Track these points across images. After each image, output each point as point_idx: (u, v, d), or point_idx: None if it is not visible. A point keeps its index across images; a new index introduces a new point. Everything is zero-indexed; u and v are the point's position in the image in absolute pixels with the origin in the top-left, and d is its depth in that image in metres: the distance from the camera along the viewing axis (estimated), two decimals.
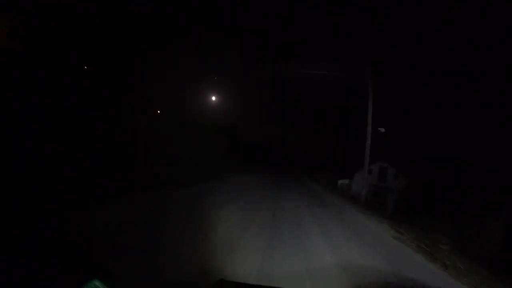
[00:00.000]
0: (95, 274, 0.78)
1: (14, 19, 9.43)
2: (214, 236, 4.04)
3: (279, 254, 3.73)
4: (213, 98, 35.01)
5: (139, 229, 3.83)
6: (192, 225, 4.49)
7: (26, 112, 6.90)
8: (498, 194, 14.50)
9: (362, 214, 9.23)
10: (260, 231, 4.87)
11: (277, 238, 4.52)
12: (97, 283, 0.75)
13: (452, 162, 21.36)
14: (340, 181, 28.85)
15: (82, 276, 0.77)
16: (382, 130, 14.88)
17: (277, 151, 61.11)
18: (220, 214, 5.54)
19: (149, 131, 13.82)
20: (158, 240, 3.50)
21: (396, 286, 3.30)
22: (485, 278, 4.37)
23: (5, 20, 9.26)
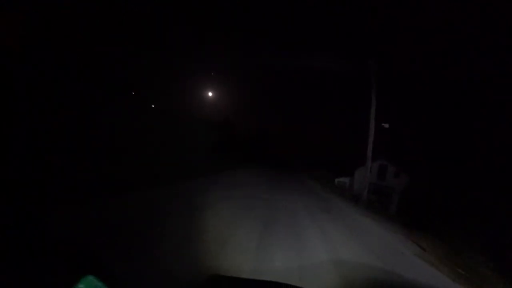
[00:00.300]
0: (90, 271, 0.75)
1: (13, 18, 9.07)
2: (206, 235, 4.02)
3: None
4: (210, 94, 34.24)
5: (126, 230, 3.73)
6: (185, 224, 4.47)
7: (24, 110, 6.93)
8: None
9: (372, 221, 8.38)
10: (249, 244, 4.07)
11: (268, 258, 3.71)
12: (92, 279, 0.73)
13: (456, 161, 20.72)
14: (337, 179, 28.22)
15: (78, 273, 0.74)
16: (386, 125, 14.08)
17: (275, 147, 60.59)
18: (209, 213, 5.38)
19: (145, 127, 13.57)
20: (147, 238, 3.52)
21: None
22: None
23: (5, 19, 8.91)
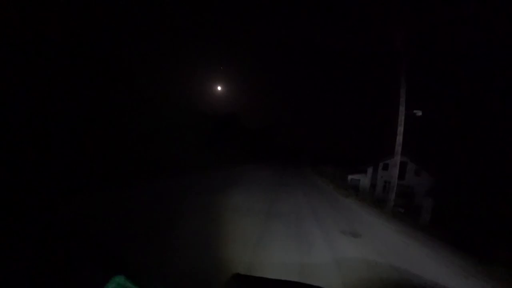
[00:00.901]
0: (118, 270, 0.71)
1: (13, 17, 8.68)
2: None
3: None
4: (219, 88, 32.64)
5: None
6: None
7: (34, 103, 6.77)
8: None
9: (425, 249, 5.62)
10: None
11: None
12: (121, 280, 0.69)
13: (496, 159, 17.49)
14: (350, 176, 25.35)
15: (104, 271, 0.72)
16: (419, 113, 11.09)
17: (281, 140, 58.59)
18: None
19: (148, 122, 13.08)
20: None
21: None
22: None
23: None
